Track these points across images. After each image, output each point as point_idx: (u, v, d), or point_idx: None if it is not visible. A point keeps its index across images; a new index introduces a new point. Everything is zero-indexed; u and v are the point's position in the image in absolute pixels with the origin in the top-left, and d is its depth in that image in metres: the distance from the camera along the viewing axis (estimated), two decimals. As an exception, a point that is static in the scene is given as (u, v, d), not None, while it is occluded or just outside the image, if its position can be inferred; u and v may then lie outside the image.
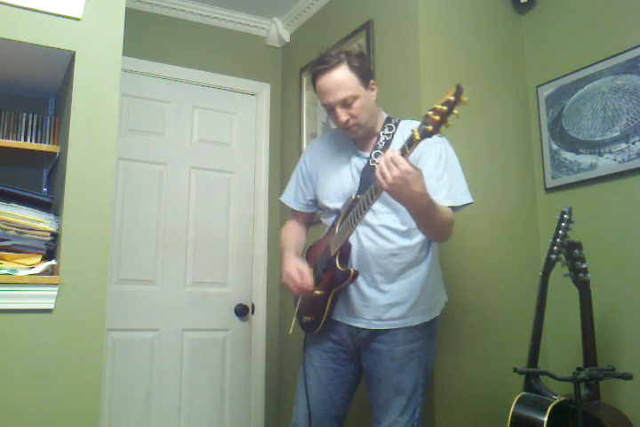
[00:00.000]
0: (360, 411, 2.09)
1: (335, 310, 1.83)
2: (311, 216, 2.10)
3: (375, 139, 1.87)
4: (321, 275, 1.82)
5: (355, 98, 1.78)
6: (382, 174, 1.45)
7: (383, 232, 1.78)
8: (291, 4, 3.18)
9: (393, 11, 2.51)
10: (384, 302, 1.77)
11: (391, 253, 1.77)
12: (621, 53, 2.21)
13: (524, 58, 2.63)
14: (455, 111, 1.36)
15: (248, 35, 3.34)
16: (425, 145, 1.70)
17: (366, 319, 1.79)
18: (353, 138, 1.89)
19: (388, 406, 1.76)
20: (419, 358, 1.78)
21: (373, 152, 1.83)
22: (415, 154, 1.73)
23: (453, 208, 1.74)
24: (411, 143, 1.45)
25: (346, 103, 1.78)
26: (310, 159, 2.02)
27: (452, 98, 1.36)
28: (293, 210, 2.08)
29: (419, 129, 1.43)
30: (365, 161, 1.85)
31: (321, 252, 1.85)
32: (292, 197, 2.06)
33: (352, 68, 1.79)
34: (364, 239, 1.78)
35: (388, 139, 1.84)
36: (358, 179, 1.83)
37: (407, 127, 1.83)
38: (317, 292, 1.81)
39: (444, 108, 1.36)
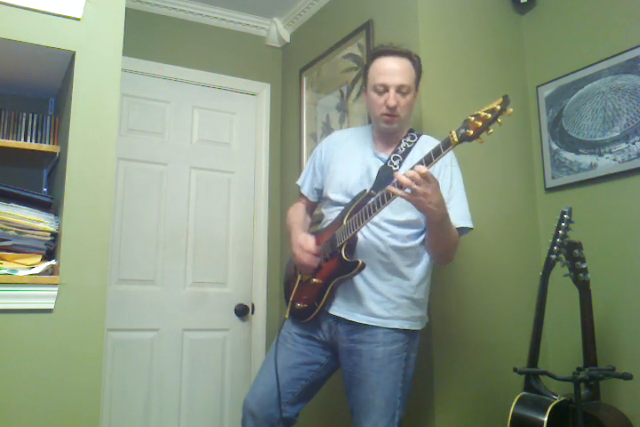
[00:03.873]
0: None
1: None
2: (313, 206, 2.11)
3: (396, 144, 1.89)
4: (322, 263, 1.82)
5: (409, 90, 1.81)
6: (414, 190, 1.52)
7: (374, 229, 1.80)
8: (291, 3, 3.18)
9: (393, 11, 2.51)
10: (369, 297, 1.78)
11: (379, 251, 1.78)
12: (621, 53, 2.21)
13: (524, 58, 2.63)
14: (499, 120, 1.38)
15: (248, 35, 3.35)
16: (440, 166, 1.78)
17: (349, 311, 1.79)
18: (384, 130, 1.89)
19: (367, 409, 1.75)
20: (398, 360, 1.77)
21: (392, 155, 1.85)
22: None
23: (460, 230, 1.80)
24: (447, 145, 1.48)
25: (401, 91, 1.80)
26: (327, 150, 2.03)
27: (497, 107, 1.38)
28: (301, 194, 2.11)
29: (457, 132, 1.44)
30: (382, 162, 1.87)
31: (323, 242, 1.85)
32: (303, 180, 2.10)
33: (414, 65, 1.84)
34: (358, 233, 1.79)
35: (408, 146, 1.87)
36: (373, 176, 1.84)
37: (428, 142, 1.86)
38: (315, 280, 1.82)
39: (489, 115, 1.39)
